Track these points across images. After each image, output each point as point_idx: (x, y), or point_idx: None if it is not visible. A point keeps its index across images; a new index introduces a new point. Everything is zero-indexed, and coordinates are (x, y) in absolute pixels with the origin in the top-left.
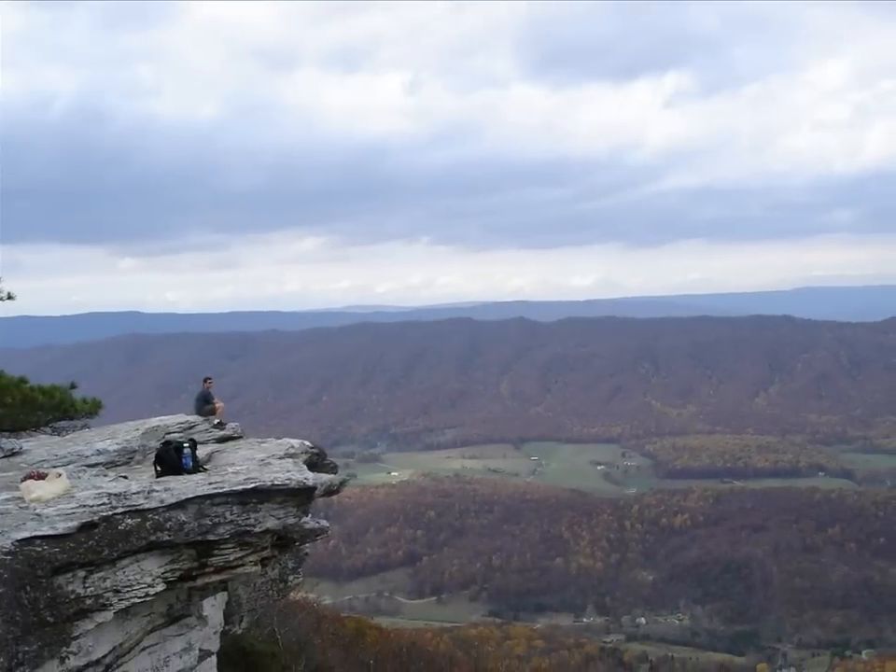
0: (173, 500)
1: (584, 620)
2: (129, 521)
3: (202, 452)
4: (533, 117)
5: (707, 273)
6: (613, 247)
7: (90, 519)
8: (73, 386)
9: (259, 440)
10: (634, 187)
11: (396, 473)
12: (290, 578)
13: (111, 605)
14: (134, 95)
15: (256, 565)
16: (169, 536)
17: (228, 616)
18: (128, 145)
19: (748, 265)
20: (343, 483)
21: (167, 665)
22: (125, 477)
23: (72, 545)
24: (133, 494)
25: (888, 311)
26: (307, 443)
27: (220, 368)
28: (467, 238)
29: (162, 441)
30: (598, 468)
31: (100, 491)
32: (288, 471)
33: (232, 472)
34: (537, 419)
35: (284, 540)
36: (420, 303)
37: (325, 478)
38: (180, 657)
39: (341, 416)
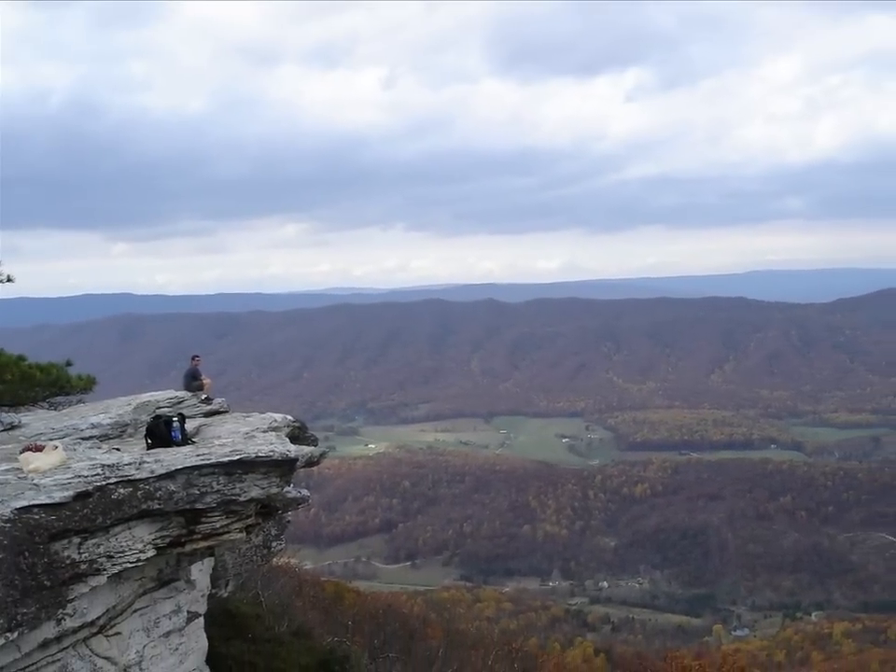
0: (163, 471)
1: (550, 584)
2: (121, 490)
3: (190, 425)
4: (501, 110)
5: (666, 257)
6: (577, 233)
7: (84, 489)
8: (68, 364)
9: (244, 414)
10: (596, 176)
11: (373, 446)
12: (273, 544)
13: (105, 569)
14: (127, 90)
15: (241, 532)
16: (159, 504)
17: (214, 580)
18: (121, 136)
19: (704, 249)
20: (322, 455)
21: (157, 626)
22: (118, 449)
23: (68, 513)
24: (126, 465)
25: (835, 293)
26: (289, 417)
27: (207, 346)
28: (439, 224)
29: (153, 415)
30: (563, 440)
31: (94, 462)
32: (272, 444)
33: (219, 445)
34: (505, 395)
35: (267, 509)
36: (395, 286)
37: (306, 450)
38: (169, 619)
39: (321, 392)
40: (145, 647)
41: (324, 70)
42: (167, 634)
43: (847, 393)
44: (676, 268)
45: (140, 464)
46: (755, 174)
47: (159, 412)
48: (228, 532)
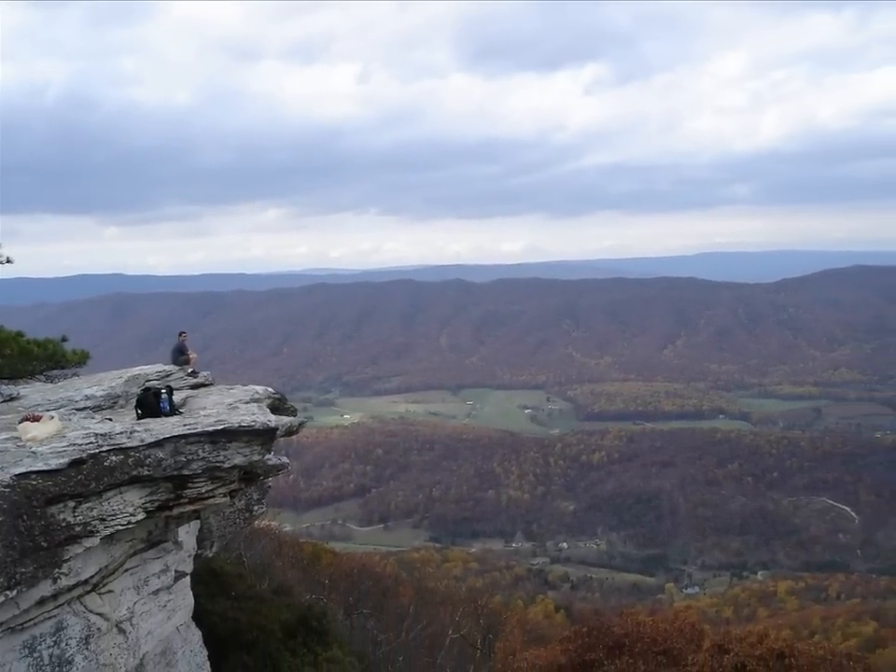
0: (152, 440)
1: (514, 545)
2: (113, 458)
3: (177, 397)
4: (468, 103)
5: (622, 240)
6: (539, 217)
7: (79, 456)
8: (64, 339)
9: (228, 386)
10: (557, 164)
11: (348, 416)
12: (255, 508)
13: (98, 531)
14: (118, 84)
15: (225, 496)
16: (149, 471)
17: (200, 541)
18: (112, 127)
19: (657, 233)
20: (301, 425)
21: (147, 585)
22: (110, 419)
23: (63, 479)
24: (117, 434)
25: (780, 273)
26: (270, 389)
27: (193, 323)
28: (410, 209)
29: (143, 387)
30: (526, 411)
31: (88, 431)
32: (253, 414)
33: (204, 415)
34: (472, 368)
35: (249, 475)
36: (369, 267)
37: (285, 420)
38: (158, 577)
39: (299, 366)
40: (135, 604)
41: (302, 65)
42: (156, 591)
43: (790, 367)
44: (631, 250)
45: (131, 433)
46: (705, 162)
47: (148, 384)
48: (213, 497)
